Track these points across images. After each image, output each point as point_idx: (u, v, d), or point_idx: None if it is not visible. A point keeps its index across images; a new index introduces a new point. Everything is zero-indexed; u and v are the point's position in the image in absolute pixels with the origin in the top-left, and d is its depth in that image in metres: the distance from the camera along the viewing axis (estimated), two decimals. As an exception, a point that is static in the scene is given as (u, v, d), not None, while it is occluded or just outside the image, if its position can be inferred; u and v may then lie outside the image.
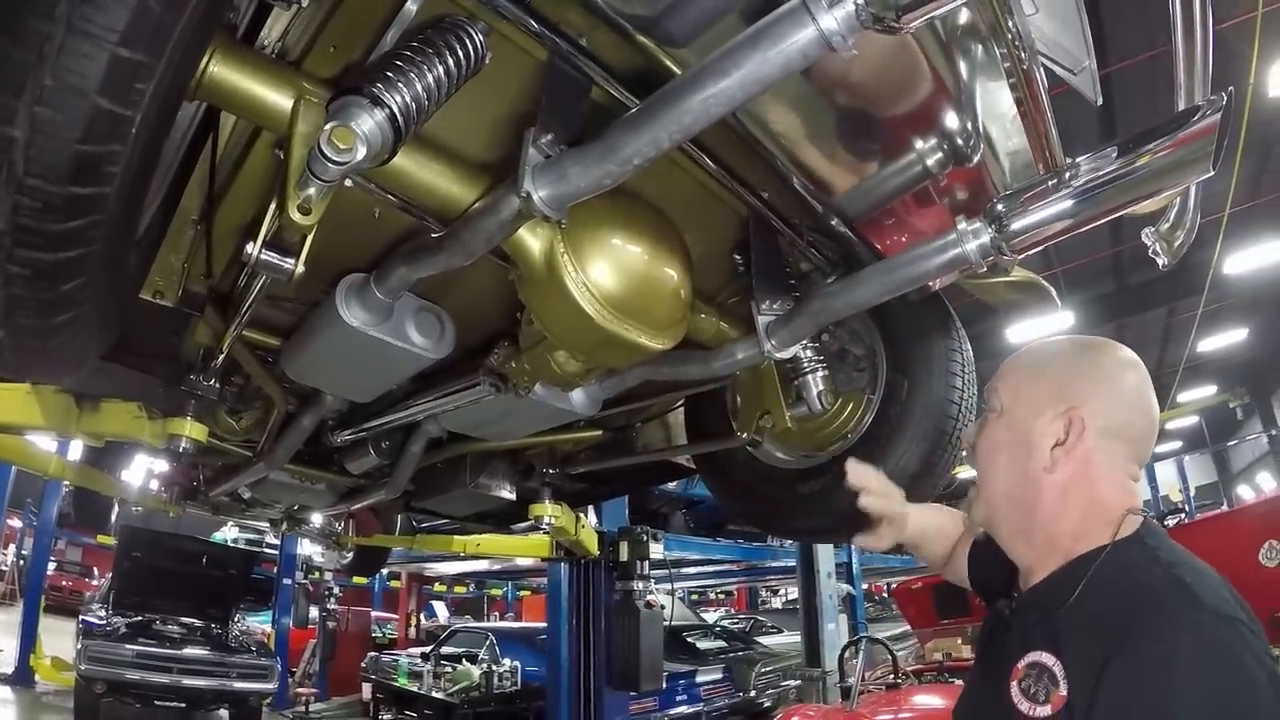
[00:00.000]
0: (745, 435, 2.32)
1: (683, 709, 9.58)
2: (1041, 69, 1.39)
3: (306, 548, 13.88)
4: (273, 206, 1.30)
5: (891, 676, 7.42)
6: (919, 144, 1.56)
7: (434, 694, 10.23)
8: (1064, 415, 1.25)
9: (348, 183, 1.33)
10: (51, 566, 19.60)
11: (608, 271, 1.57)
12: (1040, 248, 1.56)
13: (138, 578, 10.07)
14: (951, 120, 1.50)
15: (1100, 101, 1.76)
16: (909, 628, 11.72)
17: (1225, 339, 19.26)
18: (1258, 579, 6.10)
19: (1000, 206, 1.49)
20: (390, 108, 1.11)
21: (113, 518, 6.51)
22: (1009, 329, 15.99)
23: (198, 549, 10.60)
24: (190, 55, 0.94)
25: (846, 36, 0.93)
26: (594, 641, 7.39)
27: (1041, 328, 15.65)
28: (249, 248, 1.38)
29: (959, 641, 9.16)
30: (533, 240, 1.52)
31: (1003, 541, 1.36)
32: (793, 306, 1.85)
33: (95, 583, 16.76)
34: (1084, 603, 1.15)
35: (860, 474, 1.71)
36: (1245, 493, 27.22)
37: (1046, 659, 1.16)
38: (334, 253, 1.79)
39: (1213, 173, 1.32)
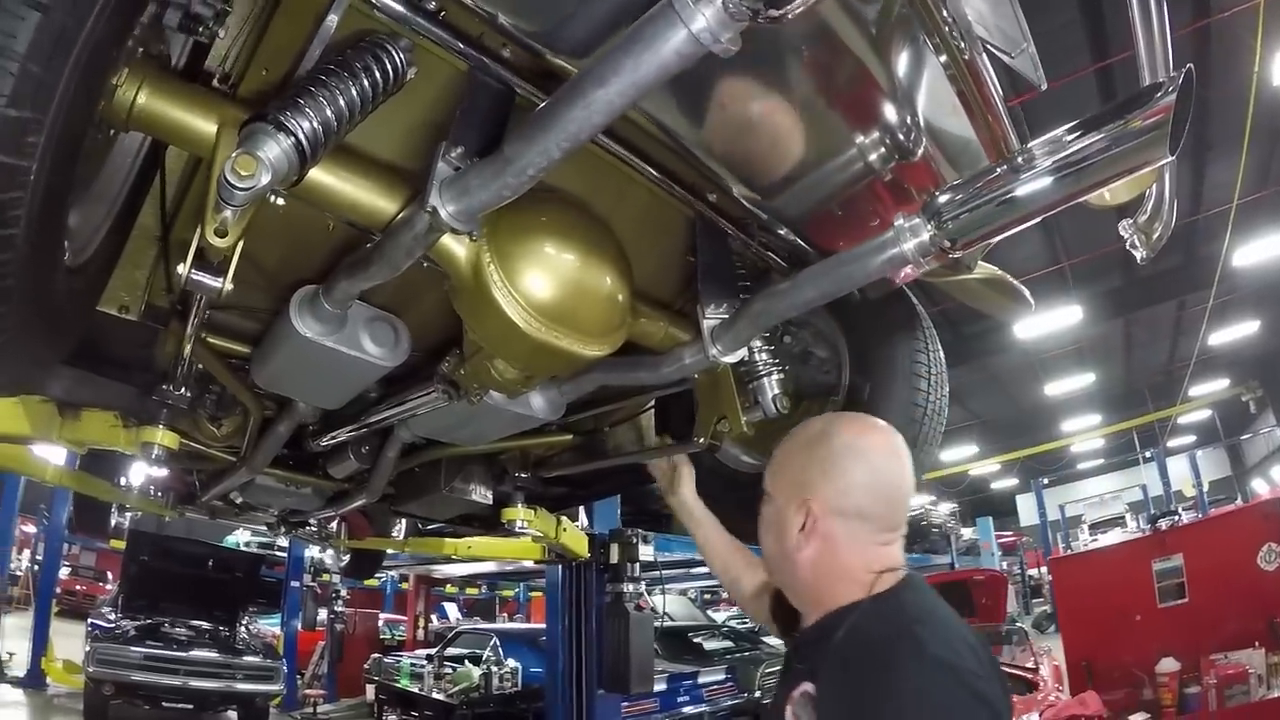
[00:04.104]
0: (702, 440, 2.30)
1: (686, 709, 9.57)
2: (984, 55, 1.35)
3: (317, 551, 13.96)
4: (198, 229, 1.34)
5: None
6: (858, 140, 1.54)
7: (434, 695, 10.23)
8: (803, 506, 1.47)
9: (279, 200, 1.35)
10: (66, 571, 19.82)
11: (535, 279, 1.56)
12: (993, 240, 1.48)
13: (146, 581, 10.22)
14: (889, 114, 1.48)
15: (1045, 86, 1.67)
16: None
17: (1236, 331, 19.23)
18: (1256, 582, 6.06)
19: (941, 199, 1.40)
20: (296, 135, 1.13)
21: (111, 523, 6.58)
22: (1017, 324, 15.93)
23: (204, 552, 10.73)
24: (81, 104, 0.99)
25: (718, 34, 0.90)
26: (587, 643, 7.40)
27: (1049, 322, 15.63)
28: (179, 269, 1.43)
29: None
30: (459, 249, 1.53)
31: (785, 593, 1.63)
32: (737, 310, 1.83)
33: (109, 587, 16.88)
34: (838, 649, 1.36)
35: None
36: (1260, 487, 26.97)
37: (811, 690, 1.40)
38: (294, 264, 1.85)
39: (1172, 157, 1.22)
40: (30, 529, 18.86)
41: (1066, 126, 1.32)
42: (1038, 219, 1.42)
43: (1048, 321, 15.71)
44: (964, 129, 1.54)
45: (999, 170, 1.39)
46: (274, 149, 1.12)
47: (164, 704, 9.49)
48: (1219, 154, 11.87)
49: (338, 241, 1.77)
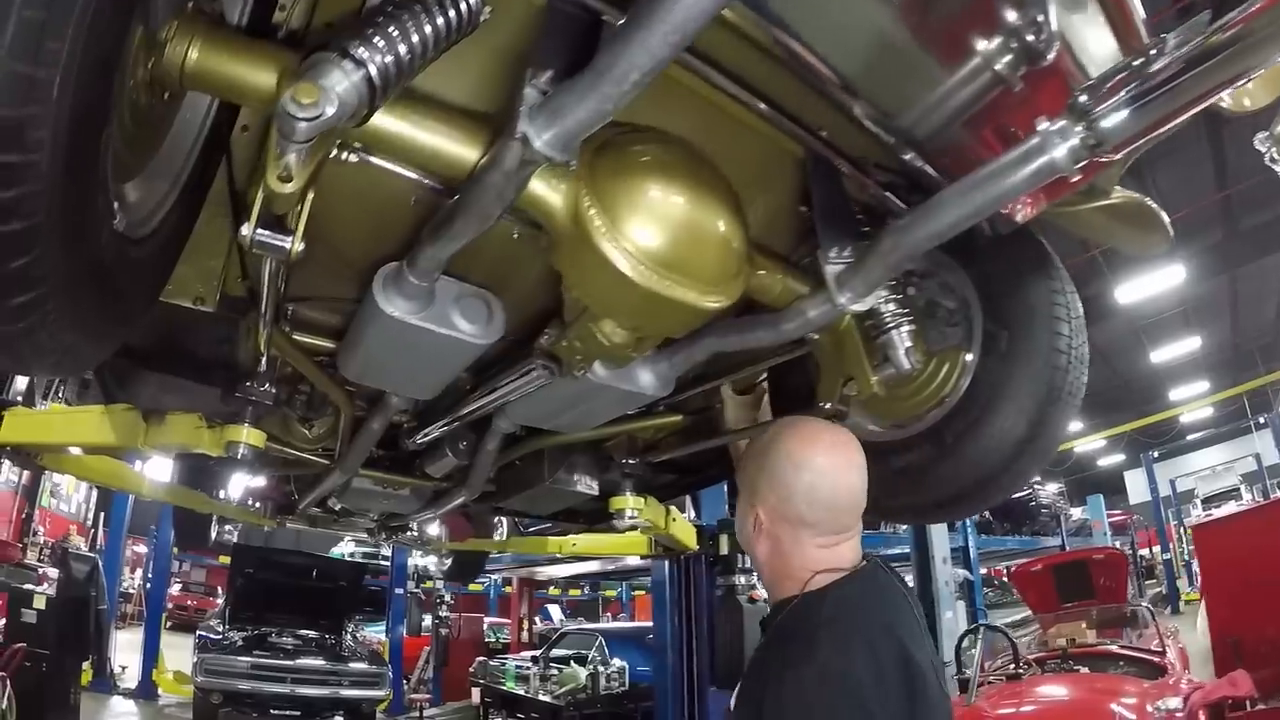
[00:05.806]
0: (828, 405, 2.12)
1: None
2: None
3: (421, 558, 14.22)
4: (262, 182, 1.24)
5: (1012, 666, 7.07)
6: (984, 46, 1.39)
7: (540, 696, 10.27)
8: (753, 511, 1.67)
9: (353, 158, 1.31)
10: (178, 587, 20.68)
11: (642, 223, 1.42)
12: (1142, 142, 1.32)
13: (251, 593, 10.52)
14: (1016, 13, 1.33)
15: None
16: (1030, 612, 11.21)
17: (1355, 281, 17.97)
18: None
19: (1084, 98, 1.24)
20: (363, 63, 1.03)
21: (211, 537, 6.72)
22: (1118, 288, 15.20)
23: (307, 563, 11.01)
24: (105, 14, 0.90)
25: None
26: (697, 639, 7.26)
27: (1151, 284, 14.87)
28: (244, 229, 1.33)
29: (1083, 625, 8.68)
30: (554, 197, 1.39)
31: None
32: (863, 250, 1.64)
33: (218, 601, 17.62)
34: (775, 631, 1.59)
35: None
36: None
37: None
38: (377, 246, 1.73)
39: None
40: (142, 549, 19.71)
41: (1204, 10, 1.17)
42: (1188, 114, 1.26)
43: (1150, 284, 15.06)
44: (1099, 26, 1.41)
45: (1139, 61, 1.24)
46: (341, 80, 1.03)
47: (272, 711, 9.78)
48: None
49: (421, 218, 1.64)
